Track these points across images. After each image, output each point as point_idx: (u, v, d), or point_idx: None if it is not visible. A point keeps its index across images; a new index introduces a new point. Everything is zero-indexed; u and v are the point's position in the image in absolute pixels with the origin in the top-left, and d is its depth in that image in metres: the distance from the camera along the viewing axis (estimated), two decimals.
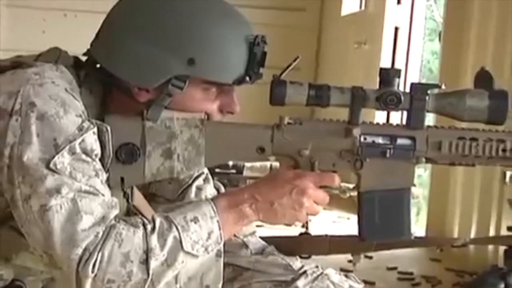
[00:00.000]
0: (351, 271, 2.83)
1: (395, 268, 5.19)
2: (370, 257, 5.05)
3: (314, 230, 2.00)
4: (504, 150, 1.84)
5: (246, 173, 5.97)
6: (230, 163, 1.67)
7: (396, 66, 7.24)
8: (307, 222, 1.93)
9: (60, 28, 8.36)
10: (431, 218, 6.30)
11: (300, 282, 2.04)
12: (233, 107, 1.92)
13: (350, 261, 4.68)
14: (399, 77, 1.86)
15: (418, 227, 6.73)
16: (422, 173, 7.78)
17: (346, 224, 6.34)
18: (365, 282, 3.26)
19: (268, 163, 1.74)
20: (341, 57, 8.39)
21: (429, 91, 1.85)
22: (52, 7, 8.98)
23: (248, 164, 5.95)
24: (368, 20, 7.87)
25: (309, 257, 2.09)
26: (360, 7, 8.36)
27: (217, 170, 5.19)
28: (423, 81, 8.77)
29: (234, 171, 5.85)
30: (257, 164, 5.44)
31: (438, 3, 7.85)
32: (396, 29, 7.46)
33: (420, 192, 7.37)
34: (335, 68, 8.60)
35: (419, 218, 7.32)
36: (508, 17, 5.26)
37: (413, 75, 7.41)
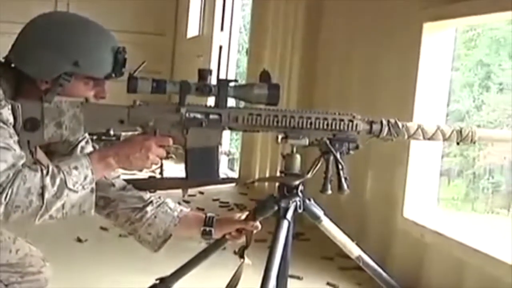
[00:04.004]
0: (188, 202, 2.83)
1: (218, 200, 5.22)
2: (202, 193, 5.08)
3: (166, 175, 1.97)
4: (277, 122, 1.86)
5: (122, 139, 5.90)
6: (112, 132, 1.62)
7: (220, 71, 7.32)
8: (161, 169, 1.90)
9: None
10: (242, 167, 6.38)
11: (149, 208, 2.02)
12: (104, 94, 1.88)
13: (189, 195, 4.71)
14: (211, 74, 1.85)
15: (234, 173, 6.80)
16: (237, 137, 7.82)
17: None
18: (198, 208, 3.24)
19: (136, 132, 1.72)
20: (186, 65, 8.37)
21: (230, 84, 1.85)
22: None
23: (123, 134, 5.87)
24: (203, 41, 7.89)
25: (154, 191, 2.06)
26: (199, 32, 8.39)
27: (103, 137, 5.06)
28: (240, 81, 8.87)
29: (114, 138, 5.76)
30: (129, 133, 5.36)
31: (247, 30, 7.90)
32: (220, 47, 7.50)
33: (235, 151, 7.44)
34: (183, 72, 8.57)
35: (235, 167, 7.36)
36: (287, 43, 5.38)
37: (231, 77, 7.45)
